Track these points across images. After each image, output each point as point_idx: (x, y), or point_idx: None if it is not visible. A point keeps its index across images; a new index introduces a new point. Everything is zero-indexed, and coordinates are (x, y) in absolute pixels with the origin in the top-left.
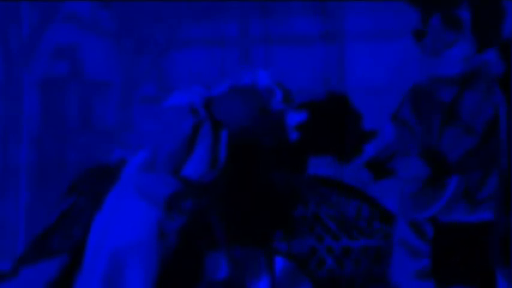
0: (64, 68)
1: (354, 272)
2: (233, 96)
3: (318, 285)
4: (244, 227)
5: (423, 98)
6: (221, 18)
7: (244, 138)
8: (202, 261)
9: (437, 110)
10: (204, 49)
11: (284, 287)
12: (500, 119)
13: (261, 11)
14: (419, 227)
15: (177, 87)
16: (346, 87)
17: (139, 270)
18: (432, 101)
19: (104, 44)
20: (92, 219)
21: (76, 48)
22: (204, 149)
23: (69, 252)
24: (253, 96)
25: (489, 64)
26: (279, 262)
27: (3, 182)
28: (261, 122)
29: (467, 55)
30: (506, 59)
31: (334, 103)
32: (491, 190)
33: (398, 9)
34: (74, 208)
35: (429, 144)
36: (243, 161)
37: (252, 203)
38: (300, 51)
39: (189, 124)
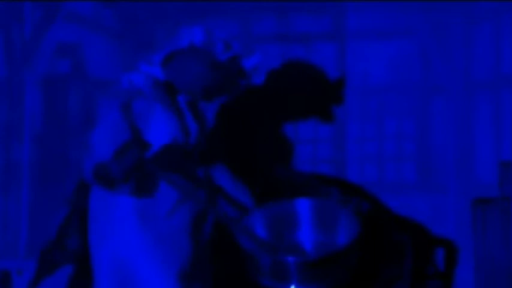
0: (66, 66)
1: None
2: (182, 59)
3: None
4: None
5: None
6: (222, 18)
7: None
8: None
9: None
10: None
11: (326, 222)
12: None
13: (261, 10)
14: None
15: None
16: (346, 86)
17: (142, 260)
18: None
19: (106, 43)
20: (85, 227)
21: (78, 47)
22: (162, 125)
23: (73, 263)
24: (199, 53)
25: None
26: (304, 203)
27: (5, 180)
28: (216, 76)
29: None
30: None
31: (297, 69)
32: None
33: (399, 9)
34: (68, 220)
35: None
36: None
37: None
38: (301, 51)
39: (116, 107)
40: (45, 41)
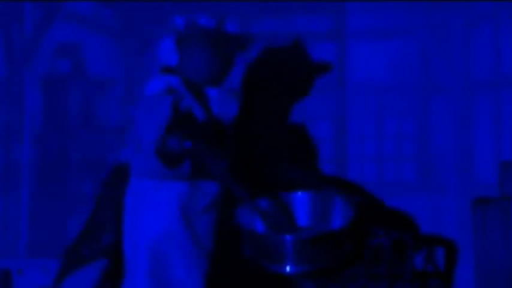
0: (67, 66)
1: (355, 268)
2: (185, 53)
3: (321, 283)
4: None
5: None
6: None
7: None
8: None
9: None
10: None
11: (321, 213)
12: None
13: (261, 10)
14: None
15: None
16: (347, 85)
17: (179, 257)
18: None
19: (106, 43)
20: (118, 221)
21: (79, 46)
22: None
23: (105, 256)
24: (190, 38)
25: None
26: (300, 196)
27: (5, 180)
28: (216, 53)
29: None
30: None
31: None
32: None
33: (399, 9)
34: (97, 215)
35: None
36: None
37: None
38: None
39: (167, 104)
40: (45, 41)
